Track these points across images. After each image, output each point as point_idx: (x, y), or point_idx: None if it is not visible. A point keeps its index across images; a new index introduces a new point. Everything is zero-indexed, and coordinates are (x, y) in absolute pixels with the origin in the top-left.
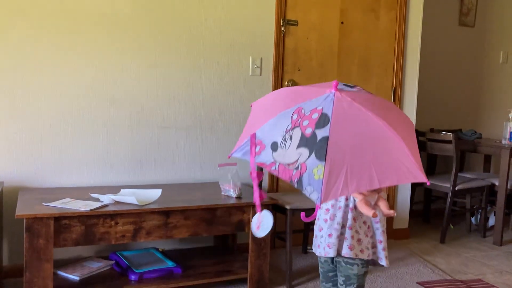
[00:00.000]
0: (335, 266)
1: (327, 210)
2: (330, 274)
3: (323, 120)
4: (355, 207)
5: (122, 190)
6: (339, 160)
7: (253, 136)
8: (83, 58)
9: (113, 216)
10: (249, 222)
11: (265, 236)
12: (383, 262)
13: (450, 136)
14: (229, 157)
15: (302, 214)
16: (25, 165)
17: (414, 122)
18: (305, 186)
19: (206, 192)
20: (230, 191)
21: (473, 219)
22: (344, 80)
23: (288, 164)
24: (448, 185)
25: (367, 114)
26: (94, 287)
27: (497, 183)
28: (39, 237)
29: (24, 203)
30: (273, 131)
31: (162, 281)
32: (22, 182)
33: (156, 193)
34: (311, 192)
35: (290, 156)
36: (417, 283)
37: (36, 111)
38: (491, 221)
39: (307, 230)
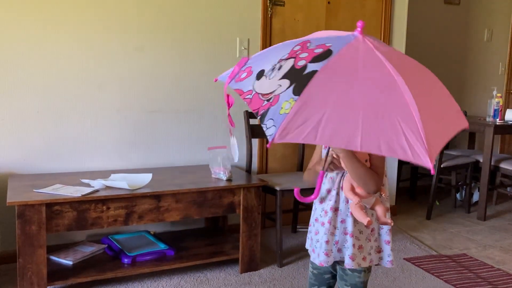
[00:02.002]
0: (334, 268)
1: (326, 212)
2: (327, 276)
3: (323, 55)
4: None
5: (112, 174)
6: (319, 99)
7: (244, 60)
8: (69, 42)
9: (105, 201)
10: (239, 204)
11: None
12: (389, 264)
13: None
14: (215, 81)
15: (296, 190)
16: (14, 152)
17: None
18: (267, 119)
19: (197, 175)
20: (220, 174)
21: (458, 195)
22: None
23: (262, 94)
24: (434, 163)
25: (386, 66)
26: (88, 271)
27: (481, 160)
28: (31, 224)
29: (14, 190)
30: (266, 59)
31: (155, 264)
32: (11, 168)
33: (146, 177)
34: (269, 127)
35: (269, 86)
36: (404, 259)
37: (23, 97)
38: (475, 196)
39: (296, 209)
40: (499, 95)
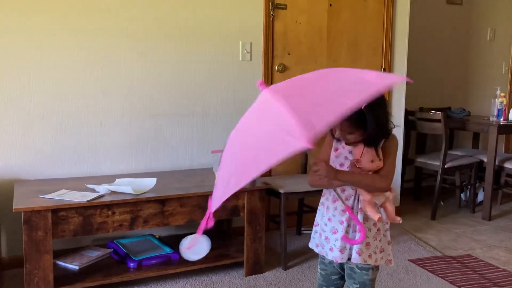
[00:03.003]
0: (341, 269)
1: (343, 211)
2: (334, 277)
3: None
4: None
5: (117, 179)
6: (229, 162)
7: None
8: (73, 48)
9: (110, 206)
10: (244, 207)
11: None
12: (388, 263)
13: (439, 115)
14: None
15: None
16: (19, 157)
17: (403, 101)
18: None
19: (201, 178)
20: None
21: (462, 195)
22: (333, 63)
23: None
24: (438, 163)
25: (268, 95)
26: (94, 276)
27: (485, 160)
28: (37, 230)
29: (20, 195)
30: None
31: (160, 268)
32: (17, 174)
33: (151, 182)
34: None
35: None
36: (408, 260)
37: (28, 103)
38: (480, 196)
39: (301, 212)
40: (502, 94)
